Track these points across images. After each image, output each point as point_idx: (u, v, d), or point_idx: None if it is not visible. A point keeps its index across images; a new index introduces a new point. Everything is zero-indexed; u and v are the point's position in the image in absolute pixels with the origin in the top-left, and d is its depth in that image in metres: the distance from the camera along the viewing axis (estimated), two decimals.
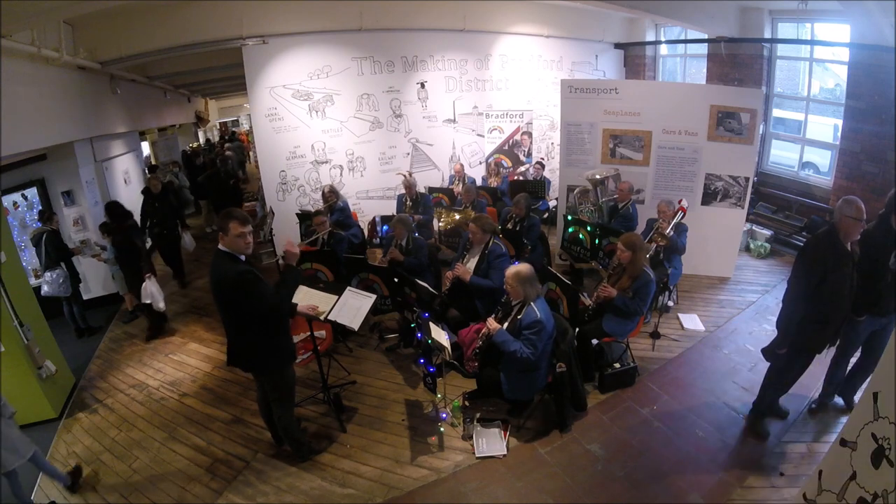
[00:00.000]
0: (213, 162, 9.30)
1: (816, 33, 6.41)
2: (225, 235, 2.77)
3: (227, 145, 13.39)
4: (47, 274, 5.18)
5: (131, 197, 7.39)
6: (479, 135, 8.04)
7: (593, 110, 5.98)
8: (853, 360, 3.59)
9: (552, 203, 7.31)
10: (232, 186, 9.05)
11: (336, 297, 3.55)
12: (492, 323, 3.48)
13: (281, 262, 5.49)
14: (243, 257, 2.85)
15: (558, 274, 4.24)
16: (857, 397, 3.58)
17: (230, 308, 2.88)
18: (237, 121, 19.46)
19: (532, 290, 3.37)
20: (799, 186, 6.78)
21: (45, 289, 5.16)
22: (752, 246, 6.63)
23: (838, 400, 3.70)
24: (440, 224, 6.33)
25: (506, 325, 3.45)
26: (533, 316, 3.28)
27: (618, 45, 9.09)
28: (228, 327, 3.03)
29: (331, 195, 5.88)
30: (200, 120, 14.79)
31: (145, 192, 6.56)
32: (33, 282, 5.25)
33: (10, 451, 3.07)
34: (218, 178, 8.95)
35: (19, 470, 3.13)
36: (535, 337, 3.26)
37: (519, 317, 3.38)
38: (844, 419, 3.12)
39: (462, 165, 7.40)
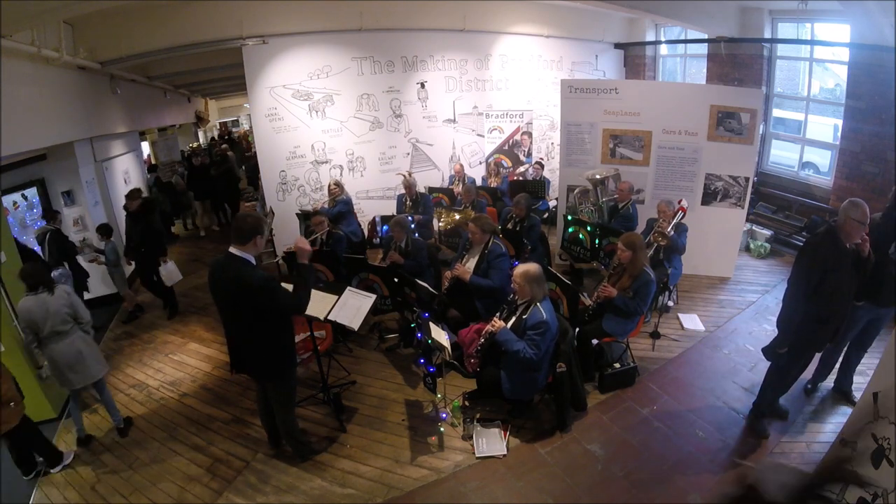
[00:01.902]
0: (223, 160, 9.27)
1: (816, 33, 6.41)
2: (261, 238, 2.87)
3: (224, 146, 13.31)
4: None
5: None
6: (479, 135, 8.04)
7: (593, 110, 5.97)
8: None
9: (552, 203, 7.31)
10: (235, 187, 9.07)
11: (336, 297, 3.54)
12: (496, 321, 3.46)
13: (281, 262, 5.49)
14: (254, 261, 2.87)
15: (558, 274, 4.24)
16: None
17: (247, 313, 2.86)
18: (237, 121, 19.43)
19: (539, 291, 3.35)
20: (799, 186, 6.78)
21: None
22: (752, 246, 6.63)
23: (829, 383, 3.82)
24: (440, 224, 6.33)
25: (510, 323, 3.44)
26: (539, 317, 3.27)
27: (618, 45, 9.08)
28: (238, 333, 3.01)
29: (336, 188, 6.11)
30: (200, 120, 14.76)
31: (126, 208, 5.88)
32: None
33: (98, 361, 3.66)
34: (231, 176, 8.88)
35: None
36: (539, 338, 3.25)
37: (524, 316, 3.36)
38: (844, 418, 3.12)
39: (462, 165, 7.39)
